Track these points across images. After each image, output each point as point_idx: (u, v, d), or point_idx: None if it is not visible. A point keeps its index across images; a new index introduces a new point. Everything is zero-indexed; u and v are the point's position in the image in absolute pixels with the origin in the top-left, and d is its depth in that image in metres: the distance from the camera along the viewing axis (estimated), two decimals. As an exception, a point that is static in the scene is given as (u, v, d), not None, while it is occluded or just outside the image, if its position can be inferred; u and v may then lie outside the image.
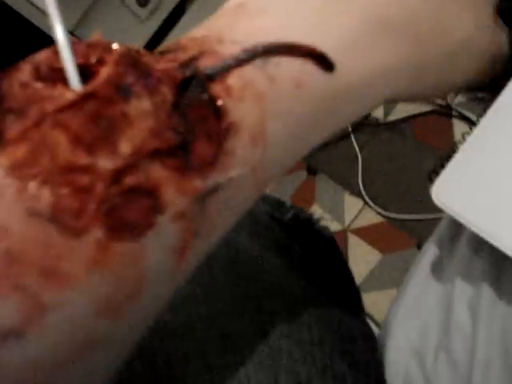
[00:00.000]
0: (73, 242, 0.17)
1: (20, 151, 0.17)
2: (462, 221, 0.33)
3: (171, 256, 0.19)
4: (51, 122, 0.17)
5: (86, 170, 0.17)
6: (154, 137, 0.18)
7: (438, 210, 0.36)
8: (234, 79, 0.21)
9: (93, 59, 0.19)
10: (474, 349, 0.40)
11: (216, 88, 0.21)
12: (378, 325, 0.88)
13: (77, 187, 0.17)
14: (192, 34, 0.24)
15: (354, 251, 1.09)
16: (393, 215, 1.08)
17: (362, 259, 1.07)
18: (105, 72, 0.18)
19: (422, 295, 0.47)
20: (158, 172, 0.18)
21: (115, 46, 0.20)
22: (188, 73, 0.20)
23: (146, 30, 1.11)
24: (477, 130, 0.30)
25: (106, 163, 0.17)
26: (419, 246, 1.01)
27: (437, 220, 0.47)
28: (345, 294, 0.45)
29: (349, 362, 0.38)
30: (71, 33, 1.07)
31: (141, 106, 0.18)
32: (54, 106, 0.17)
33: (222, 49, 0.22)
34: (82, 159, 0.17)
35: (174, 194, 0.18)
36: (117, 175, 0.17)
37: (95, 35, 0.21)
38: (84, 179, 0.17)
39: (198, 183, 0.19)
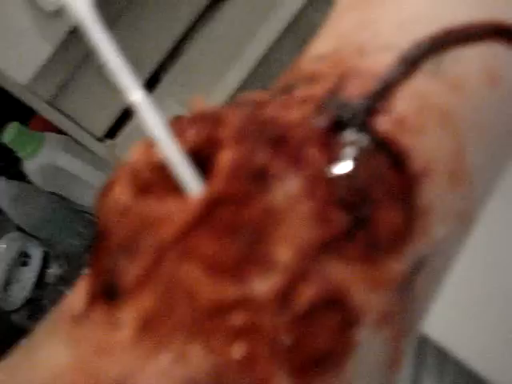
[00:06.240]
0: None
1: (148, 300, 0.13)
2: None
3: (383, 374, 0.14)
4: (175, 254, 0.13)
5: (239, 304, 0.12)
6: (318, 224, 0.13)
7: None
8: (403, 102, 0.15)
9: (201, 139, 0.14)
10: None
11: (383, 123, 0.14)
12: None
13: (235, 331, 0.12)
14: (310, 52, 0.17)
15: None
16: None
17: None
18: (224, 158, 0.13)
19: None
20: (337, 270, 0.13)
21: (226, 112, 0.14)
22: (334, 116, 0.14)
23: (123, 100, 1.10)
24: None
25: (262, 286, 0.12)
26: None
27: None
28: None
29: None
30: (49, 103, 0.86)
31: (287, 189, 0.13)
32: (171, 232, 0.13)
33: (368, 63, 0.15)
34: (229, 292, 0.12)
35: (366, 293, 0.13)
36: (283, 296, 0.12)
37: (198, 101, 0.15)
38: (240, 317, 0.12)
39: (396, 266, 0.13)
